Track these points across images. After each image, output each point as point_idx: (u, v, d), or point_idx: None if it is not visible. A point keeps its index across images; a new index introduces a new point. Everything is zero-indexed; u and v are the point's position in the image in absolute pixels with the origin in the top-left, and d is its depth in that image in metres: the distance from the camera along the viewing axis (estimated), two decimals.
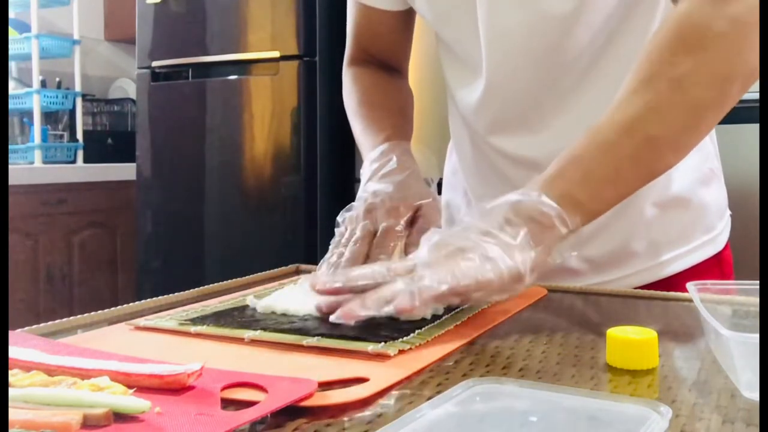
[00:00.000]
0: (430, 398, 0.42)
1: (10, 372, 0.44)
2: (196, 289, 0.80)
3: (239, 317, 0.64)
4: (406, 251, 0.77)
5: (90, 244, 2.79)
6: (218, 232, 2.45)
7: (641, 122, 0.64)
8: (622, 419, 0.39)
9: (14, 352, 0.48)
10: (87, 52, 3.25)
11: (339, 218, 0.81)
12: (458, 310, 0.67)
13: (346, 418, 0.43)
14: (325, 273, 0.75)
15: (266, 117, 2.39)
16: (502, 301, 0.69)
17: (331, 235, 0.80)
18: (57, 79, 2.95)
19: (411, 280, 0.59)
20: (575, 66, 0.81)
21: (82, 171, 2.81)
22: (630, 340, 0.51)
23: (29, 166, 2.74)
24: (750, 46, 0.62)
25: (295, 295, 0.70)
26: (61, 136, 3.04)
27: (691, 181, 0.87)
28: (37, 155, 2.80)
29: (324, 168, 2.35)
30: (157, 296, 0.75)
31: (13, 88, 2.91)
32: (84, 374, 0.45)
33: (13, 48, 2.82)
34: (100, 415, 0.39)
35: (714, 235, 0.90)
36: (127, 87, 3.42)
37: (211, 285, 0.82)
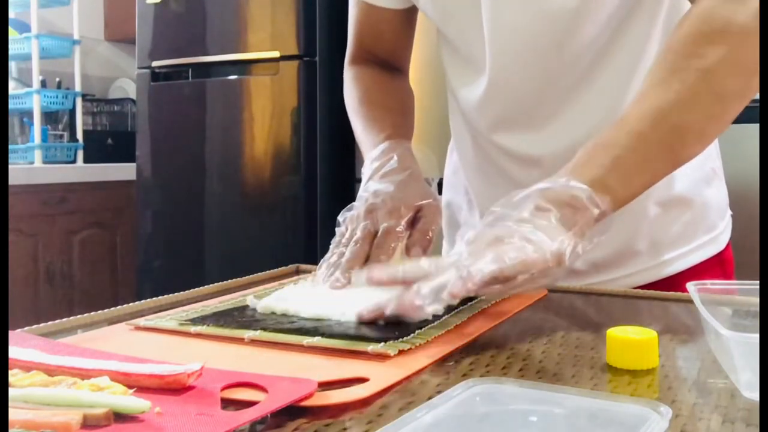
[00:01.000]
0: (430, 398, 0.42)
1: (10, 372, 0.44)
2: (196, 289, 0.80)
3: (239, 317, 0.64)
4: (408, 252, 0.77)
5: (90, 244, 2.79)
6: (218, 232, 2.45)
7: (669, 111, 0.65)
8: (622, 419, 0.39)
9: (14, 352, 0.48)
10: (87, 52, 3.25)
11: (339, 218, 0.81)
12: (458, 310, 0.67)
13: (346, 418, 0.43)
14: (324, 273, 0.75)
15: (266, 117, 2.39)
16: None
17: (331, 235, 0.80)
18: (57, 79, 2.95)
19: (458, 269, 0.59)
20: (578, 63, 0.82)
21: (82, 171, 2.81)
22: (630, 340, 0.51)
23: (29, 166, 2.74)
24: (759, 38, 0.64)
25: (294, 295, 0.70)
26: (61, 136, 3.04)
27: (693, 181, 0.87)
28: (37, 155, 2.80)
29: (324, 168, 2.35)
30: (157, 296, 0.75)
31: (13, 88, 2.91)
32: (84, 374, 0.45)
33: (13, 48, 2.82)
34: (100, 415, 0.39)
35: (715, 234, 0.90)
36: (127, 87, 3.42)
37: (211, 285, 0.82)
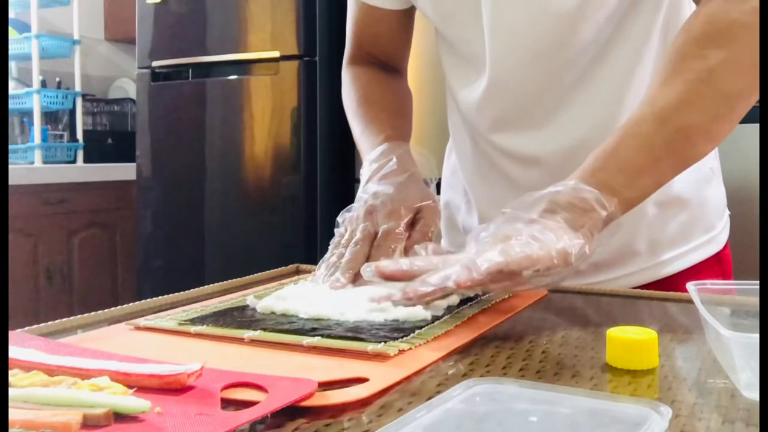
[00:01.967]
0: (430, 398, 0.42)
1: (10, 372, 0.44)
2: (196, 289, 0.80)
3: (239, 317, 0.64)
4: (407, 253, 0.77)
5: (90, 244, 2.79)
6: (218, 232, 2.45)
7: (674, 113, 0.66)
8: (622, 419, 0.39)
9: (14, 352, 0.48)
10: (87, 52, 3.26)
11: (339, 218, 0.81)
12: (458, 310, 0.67)
13: (346, 418, 0.43)
14: (323, 273, 0.75)
15: (266, 117, 2.39)
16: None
17: (331, 235, 0.80)
18: (57, 79, 2.96)
19: (466, 261, 0.60)
20: (578, 62, 0.82)
21: (82, 171, 2.81)
22: (630, 340, 0.51)
23: (29, 166, 2.74)
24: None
25: (294, 295, 0.70)
26: (61, 136, 3.04)
27: (691, 181, 0.87)
28: (37, 155, 2.80)
29: (324, 168, 2.35)
30: (157, 296, 0.75)
31: (13, 88, 2.91)
32: (84, 374, 0.45)
33: (13, 48, 2.83)
34: (100, 415, 0.39)
35: (714, 234, 0.90)
36: (127, 87, 3.43)
37: (211, 285, 0.82)
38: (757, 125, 1.81)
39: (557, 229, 0.61)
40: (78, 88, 2.94)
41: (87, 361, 0.47)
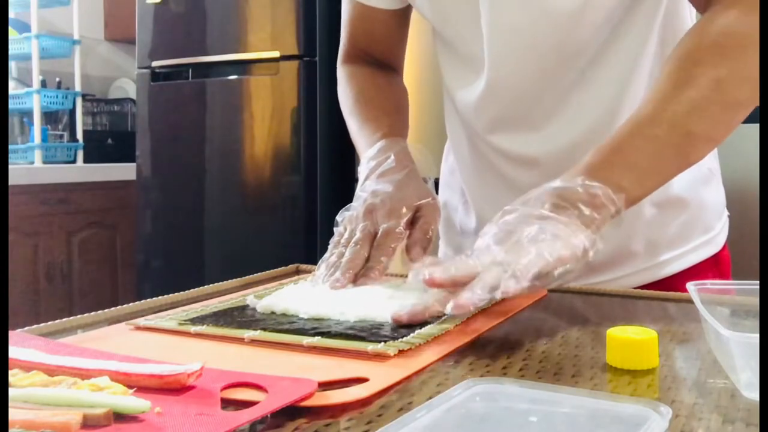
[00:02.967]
0: (430, 398, 0.42)
1: (10, 372, 0.44)
2: (196, 289, 0.80)
3: (239, 317, 0.64)
4: (408, 252, 0.77)
5: (90, 243, 2.79)
6: (218, 232, 2.45)
7: (684, 117, 0.68)
8: (622, 419, 0.39)
9: (14, 352, 0.48)
10: (87, 52, 3.26)
11: (338, 218, 0.81)
12: None
13: (346, 418, 0.43)
14: (323, 273, 0.75)
15: (266, 117, 2.39)
16: (512, 299, 0.69)
17: (331, 235, 0.80)
18: (57, 79, 2.96)
19: (504, 266, 0.60)
20: (577, 63, 0.82)
21: (82, 171, 2.81)
22: (630, 340, 0.51)
23: (29, 166, 2.74)
24: None
25: (294, 295, 0.70)
26: (61, 136, 3.04)
27: (690, 181, 0.87)
28: (37, 155, 2.80)
29: (324, 168, 2.35)
30: (157, 296, 0.75)
31: (13, 88, 2.91)
32: (84, 374, 0.45)
33: (13, 48, 2.83)
34: (100, 415, 0.39)
35: (712, 235, 0.90)
36: (127, 87, 3.43)
37: (211, 285, 0.82)
38: (754, 125, 1.81)
39: (570, 224, 0.62)
40: (78, 88, 2.94)
41: (87, 361, 0.47)
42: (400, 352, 0.54)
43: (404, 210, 0.78)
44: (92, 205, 2.79)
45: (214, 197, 2.47)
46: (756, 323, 0.58)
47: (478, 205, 0.96)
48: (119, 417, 0.40)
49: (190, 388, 0.45)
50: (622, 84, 0.82)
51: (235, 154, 2.43)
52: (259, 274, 0.88)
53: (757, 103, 0.69)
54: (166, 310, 0.69)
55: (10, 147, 2.85)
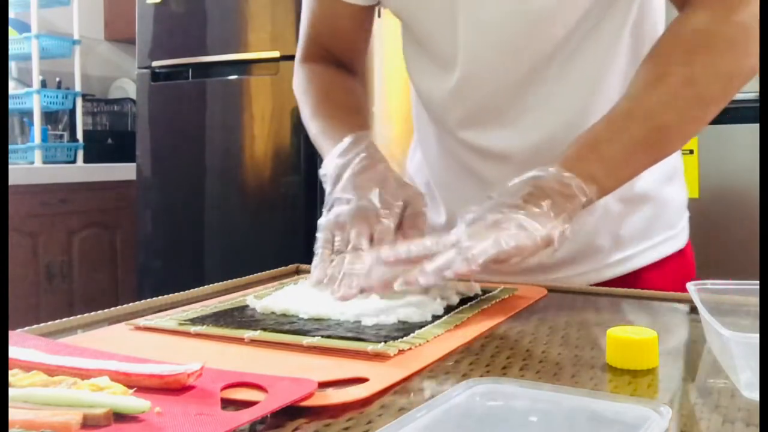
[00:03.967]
0: (430, 398, 0.42)
1: (10, 372, 0.44)
2: (196, 289, 0.80)
3: (239, 317, 0.64)
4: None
5: (90, 243, 2.79)
6: (218, 232, 2.45)
7: (656, 112, 0.71)
8: (622, 419, 0.39)
9: (14, 352, 0.48)
10: (87, 52, 3.25)
11: (321, 221, 0.79)
12: (458, 310, 0.67)
13: (346, 418, 0.43)
14: (319, 277, 0.73)
15: (266, 117, 2.39)
16: (510, 293, 0.69)
17: None
18: (57, 79, 2.95)
19: (460, 249, 0.63)
20: (551, 60, 0.82)
21: (82, 171, 2.81)
22: (630, 340, 0.51)
23: (29, 166, 2.74)
24: (753, 49, 0.71)
25: (294, 295, 0.70)
26: (61, 136, 3.04)
27: (655, 178, 0.89)
28: (37, 155, 2.80)
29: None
30: (157, 296, 0.75)
31: (13, 88, 2.91)
32: (84, 374, 0.45)
33: (13, 48, 2.82)
34: (100, 415, 0.39)
35: (676, 231, 0.92)
36: (127, 87, 3.42)
37: (211, 285, 0.82)
38: (726, 126, 1.81)
39: (541, 215, 0.65)
40: (78, 88, 2.94)
41: (87, 361, 0.47)
42: (400, 352, 0.54)
43: (396, 209, 0.77)
44: (92, 205, 2.79)
45: (214, 197, 2.47)
46: (756, 323, 0.58)
47: (447, 200, 0.96)
48: (119, 417, 0.40)
49: (190, 388, 0.45)
50: (595, 81, 0.83)
51: (235, 154, 2.43)
52: (259, 274, 0.88)
53: (727, 99, 0.73)
54: (166, 310, 0.69)
55: (10, 147, 2.85)
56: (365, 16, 0.98)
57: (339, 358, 0.53)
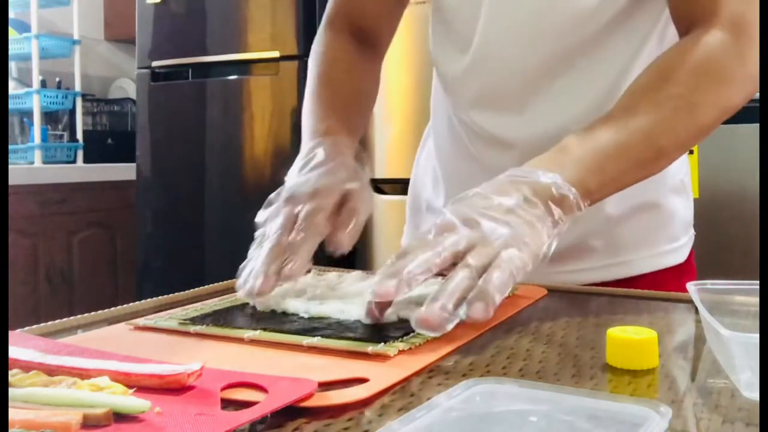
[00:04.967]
0: (430, 398, 0.42)
1: (10, 372, 0.44)
2: (196, 289, 0.80)
3: (239, 316, 0.64)
4: (330, 237, 0.71)
5: (90, 244, 2.79)
6: (218, 231, 2.45)
7: (656, 134, 0.71)
8: (622, 419, 0.39)
9: (14, 352, 0.48)
10: (87, 52, 3.26)
11: (258, 219, 0.74)
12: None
13: (346, 418, 0.43)
14: (242, 284, 0.68)
15: (266, 117, 2.39)
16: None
17: None
18: (57, 79, 2.96)
19: (469, 270, 0.57)
20: (571, 53, 0.82)
21: (82, 171, 2.81)
22: (630, 340, 0.51)
23: (29, 166, 2.74)
24: (753, 84, 0.73)
25: (295, 293, 0.70)
26: (61, 136, 3.04)
27: (662, 188, 0.89)
28: (37, 155, 2.80)
29: None
30: (157, 296, 0.75)
31: (13, 88, 2.91)
32: (84, 374, 0.45)
33: (13, 48, 2.83)
34: (100, 415, 0.39)
35: (678, 245, 0.91)
36: (127, 87, 3.43)
37: (211, 285, 0.82)
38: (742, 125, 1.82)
39: (536, 229, 0.61)
40: (78, 88, 2.94)
41: (87, 361, 0.47)
42: (400, 352, 0.54)
43: (327, 192, 0.72)
44: (92, 205, 2.79)
45: (214, 197, 2.47)
46: (756, 323, 0.58)
47: (449, 185, 0.96)
48: (119, 417, 0.40)
49: (190, 388, 0.45)
50: (615, 82, 0.82)
51: (235, 154, 2.43)
52: None
53: (716, 126, 0.74)
54: (166, 310, 0.69)
55: (10, 147, 2.85)
56: None
57: (339, 358, 0.53)
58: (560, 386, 0.44)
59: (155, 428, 0.39)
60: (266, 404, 0.42)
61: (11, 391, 0.41)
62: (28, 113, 2.87)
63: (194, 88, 2.51)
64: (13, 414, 0.38)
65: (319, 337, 0.57)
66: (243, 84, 2.42)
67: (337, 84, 0.92)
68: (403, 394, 0.47)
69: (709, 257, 1.85)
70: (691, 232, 0.95)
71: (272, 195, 0.76)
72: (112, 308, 0.71)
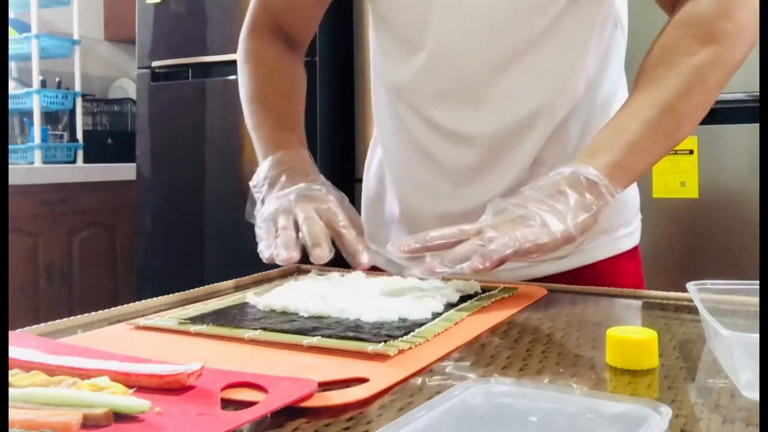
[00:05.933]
0: (430, 398, 0.42)
1: (10, 372, 0.44)
2: (196, 289, 0.80)
3: (239, 316, 0.64)
4: (344, 235, 0.79)
5: (90, 244, 2.79)
6: (218, 232, 2.45)
7: (673, 102, 0.76)
8: (622, 419, 0.39)
9: (14, 352, 0.48)
10: (87, 52, 3.26)
11: (262, 212, 0.83)
12: (459, 308, 0.67)
13: (346, 418, 0.43)
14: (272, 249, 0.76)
15: None
16: (512, 295, 0.69)
17: None
18: (57, 79, 2.95)
19: (481, 240, 0.67)
20: (524, 45, 0.84)
21: (82, 171, 2.81)
22: (630, 340, 0.51)
23: (29, 166, 2.74)
24: (741, 42, 0.78)
25: (295, 292, 0.70)
26: (61, 136, 3.04)
27: None
28: (37, 155, 2.80)
29: (324, 168, 2.33)
30: (157, 296, 0.75)
31: (13, 88, 2.91)
32: (84, 374, 0.45)
33: (13, 48, 2.82)
34: (100, 415, 0.39)
35: (631, 230, 0.95)
36: (127, 87, 3.42)
37: (211, 285, 0.82)
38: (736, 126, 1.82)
39: (565, 212, 0.69)
40: (78, 88, 2.94)
41: (87, 361, 0.47)
42: (400, 352, 0.54)
43: (335, 199, 0.82)
44: (92, 205, 2.79)
45: (214, 197, 2.47)
46: (756, 323, 0.58)
47: (401, 188, 0.97)
48: (119, 417, 0.40)
49: (190, 388, 0.45)
50: (564, 72, 0.85)
51: (235, 154, 2.43)
52: (259, 274, 0.88)
53: (725, 85, 0.78)
54: (166, 310, 0.69)
55: (10, 147, 2.85)
56: None
57: (339, 358, 0.53)
58: (560, 386, 0.44)
59: (155, 428, 0.40)
60: (266, 404, 0.43)
61: (11, 391, 0.41)
62: (28, 113, 2.87)
63: (194, 88, 2.51)
64: (13, 414, 0.38)
65: (319, 337, 0.57)
66: None
67: (276, 91, 1.00)
68: (403, 394, 0.47)
69: (710, 257, 1.85)
70: (640, 216, 0.99)
71: (272, 195, 0.84)
72: (112, 308, 0.71)
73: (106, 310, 0.70)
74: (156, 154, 2.58)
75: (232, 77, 2.43)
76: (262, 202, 0.86)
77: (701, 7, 0.78)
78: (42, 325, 0.64)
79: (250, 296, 0.70)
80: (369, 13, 0.96)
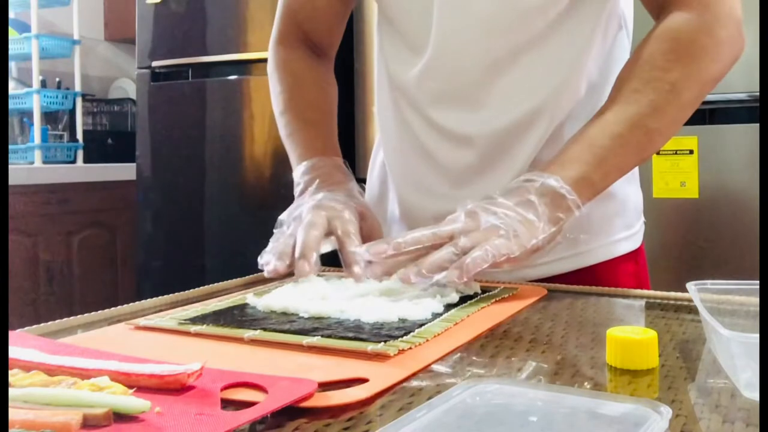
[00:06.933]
0: (430, 398, 0.42)
1: (10, 372, 0.44)
2: (196, 289, 0.80)
3: (239, 316, 0.64)
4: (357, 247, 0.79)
5: (90, 243, 2.79)
6: (218, 232, 2.45)
7: (645, 117, 0.77)
8: (622, 419, 0.39)
9: (14, 352, 0.48)
10: (87, 52, 3.25)
11: (282, 216, 0.84)
12: (457, 309, 0.67)
13: (346, 418, 0.43)
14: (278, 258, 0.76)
15: (266, 117, 2.39)
16: (505, 297, 0.70)
17: None
18: (57, 79, 2.95)
19: (455, 248, 0.69)
20: (519, 49, 0.84)
21: (82, 171, 2.81)
22: (630, 340, 0.51)
23: (29, 166, 2.74)
24: (720, 58, 0.79)
25: (294, 293, 0.70)
26: (61, 136, 3.04)
27: None
28: (37, 155, 2.80)
29: None
30: (157, 296, 0.75)
31: (13, 88, 2.91)
32: (84, 374, 0.45)
33: (13, 48, 2.82)
34: (100, 415, 0.39)
35: (632, 232, 0.94)
36: (127, 87, 3.42)
37: (211, 285, 0.82)
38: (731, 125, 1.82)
39: (533, 225, 0.72)
40: (78, 88, 2.94)
41: (87, 361, 0.47)
42: (400, 352, 0.54)
43: (354, 211, 0.83)
44: (92, 205, 2.79)
45: (214, 197, 2.47)
46: (756, 323, 0.58)
47: (401, 188, 0.97)
48: (119, 417, 0.40)
49: (190, 388, 0.45)
50: (564, 75, 0.85)
51: (235, 154, 2.43)
52: (258, 274, 0.88)
53: (699, 104, 0.80)
54: (166, 310, 0.69)
55: (10, 147, 2.85)
56: (344, 0, 1.00)
57: (339, 358, 0.53)
58: (560, 386, 0.44)
59: (155, 428, 0.40)
60: (266, 404, 0.43)
61: (11, 391, 0.41)
62: (28, 113, 2.87)
63: (194, 88, 2.51)
64: (13, 414, 0.38)
65: (319, 337, 0.57)
66: (243, 84, 2.41)
67: (307, 100, 1.00)
68: (403, 394, 0.47)
69: (710, 257, 1.85)
70: (642, 218, 0.98)
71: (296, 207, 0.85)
72: (112, 308, 0.71)
73: (106, 310, 0.70)
74: (156, 154, 2.58)
75: (232, 77, 2.43)
76: None
77: (684, 20, 0.78)
78: (42, 325, 0.64)
79: (250, 297, 0.70)
80: (370, 15, 0.96)
